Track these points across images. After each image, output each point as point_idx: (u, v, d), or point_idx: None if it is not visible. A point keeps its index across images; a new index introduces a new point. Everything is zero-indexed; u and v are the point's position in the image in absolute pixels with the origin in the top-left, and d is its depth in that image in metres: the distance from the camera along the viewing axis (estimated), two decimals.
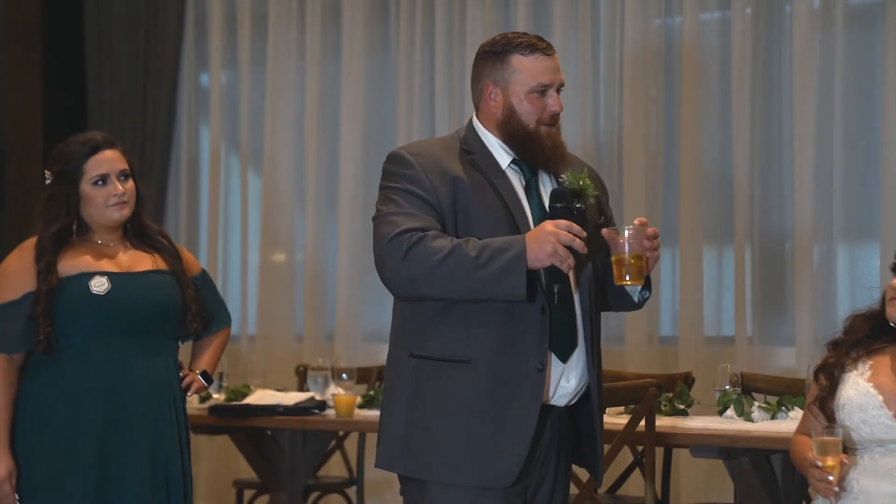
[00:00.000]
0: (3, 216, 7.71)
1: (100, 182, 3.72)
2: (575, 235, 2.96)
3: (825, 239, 5.98)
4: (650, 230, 3.05)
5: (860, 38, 6.02)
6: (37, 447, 3.64)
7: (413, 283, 3.02)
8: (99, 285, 3.67)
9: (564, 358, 3.13)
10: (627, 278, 3.05)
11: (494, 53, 3.19)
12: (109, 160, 3.74)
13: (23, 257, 3.67)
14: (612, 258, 3.06)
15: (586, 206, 3.11)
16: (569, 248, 2.95)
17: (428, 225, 3.04)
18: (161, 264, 3.80)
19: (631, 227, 3.04)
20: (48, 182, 3.75)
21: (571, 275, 3.14)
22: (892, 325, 3.36)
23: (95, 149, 3.74)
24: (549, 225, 2.97)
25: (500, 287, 2.97)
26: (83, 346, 3.66)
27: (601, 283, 3.22)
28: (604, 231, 3.07)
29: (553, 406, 3.15)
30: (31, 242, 3.70)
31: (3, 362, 3.63)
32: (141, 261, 3.78)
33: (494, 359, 3.07)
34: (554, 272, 3.00)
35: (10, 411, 3.63)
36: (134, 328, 3.70)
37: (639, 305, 3.27)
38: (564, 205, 3.04)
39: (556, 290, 3.03)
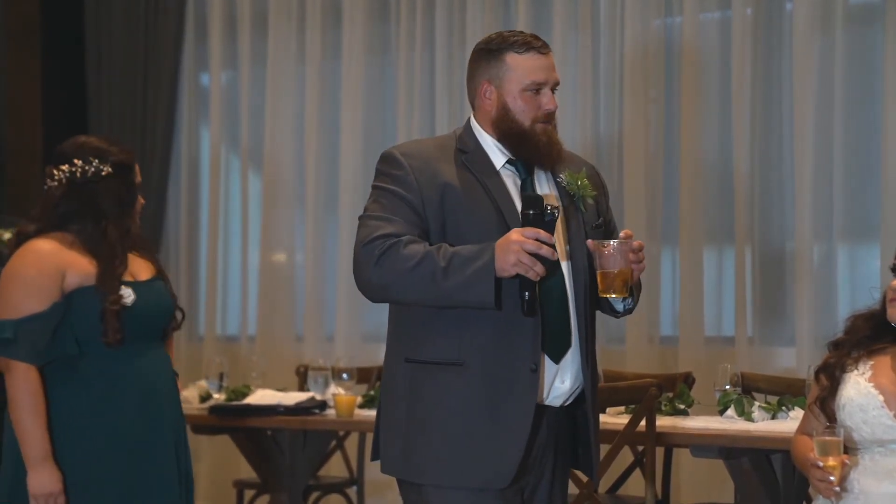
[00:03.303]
0: (2, 216, 7.71)
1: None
2: (543, 242, 2.96)
3: (825, 239, 5.98)
4: (635, 243, 3.06)
5: (860, 38, 6.02)
6: (67, 457, 3.62)
7: (384, 289, 3.05)
8: (127, 296, 3.68)
9: (557, 359, 3.13)
10: (612, 292, 3.07)
11: (489, 51, 3.19)
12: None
13: (43, 264, 3.61)
14: (598, 271, 3.07)
15: (561, 212, 3.12)
16: (538, 255, 2.95)
17: (405, 230, 3.05)
18: (154, 270, 3.83)
19: (616, 240, 3.05)
20: (105, 172, 3.72)
21: (568, 277, 3.14)
22: (893, 325, 3.36)
23: (133, 157, 3.83)
24: (514, 234, 2.98)
25: (468, 295, 2.99)
26: (107, 354, 3.65)
27: (595, 284, 3.21)
28: (588, 242, 3.08)
29: (548, 407, 3.15)
30: (45, 247, 3.64)
31: (33, 374, 3.59)
32: (142, 268, 3.80)
33: (488, 361, 3.07)
34: (524, 280, 3.00)
35: (46, 422, 3.61)
36: (149, 335, 3.74)
37: (623, 314, 3.28)
38: (537, 212, 3.02)
39: (525, 297, 3.02)
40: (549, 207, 3.03)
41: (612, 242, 3.05)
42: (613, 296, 3.09)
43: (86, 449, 3.63)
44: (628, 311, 3.27)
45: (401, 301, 3.08)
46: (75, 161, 3.72)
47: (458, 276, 2.97)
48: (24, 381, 3.57)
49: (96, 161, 3.72)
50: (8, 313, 3.58)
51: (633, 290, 3.17)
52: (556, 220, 3.04)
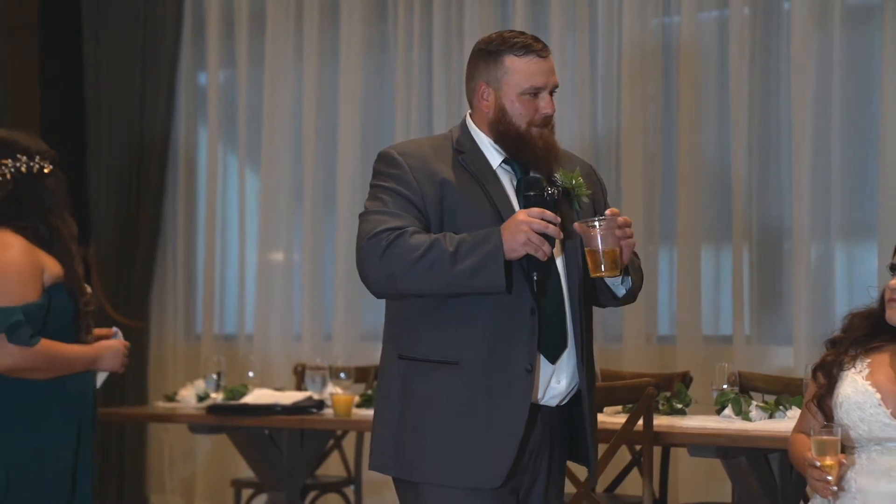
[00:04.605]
0: None
1: None
2: (549, 222, 2.96)
3: (823, 238, 5.98)
4: (621, 219, 3.05)
5: (858, 36, 6.02)
6: (34, 457, 3.66)
7: (391, 279, 3.03)
8: (91, 294, 3.75)
9: (553, 359, 3.13)
10: (602, 269, 3.05)
11: (488, 52, 3.18)
12: None
13: (30, 258, 3.63)
14: (586, 250, 3.06)
15: (561, 192, 3.12)
16: (544, 235, 2.96)
17: (409, 224, 3.05)
18: None
19: (602, 218, 3.04)
20: (47, 169, 3.74)
21: (563, 276, 3.14)
22: (891, 325, 3.36)
23: None
24: (521, 214, 2.98)
25: (478, 280, 2.98)
26: None
27: (591, 282, 3.21)
28: (576, 224, 3.07)
29: (544, 406, 3.15)
30: (19, 242, 3.65)
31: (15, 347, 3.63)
32: None
33: (483, 360, 3.06)
34: (531, 260, 3.01)
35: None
36: None
37: (624, 300, 3.26)
38: (537, 193, 3.04)
39: (534, 277, 3.03)
40: (548, 188, 3.04)
41: (598, 221, 3.04)
42: (605, 275, 3.07)
43: (56, 453, 3.69)
44: (630, 296, 3.24)
45: (408, 291, 3.05)
46: (18, 156, 3.71)
47: (467, 261, 2.97)
48: (24, 351, 3.59)
49: (38, 157, 3.73)
50: (7, 302, 3.59)
51: (628, 269, 3.16)
52: (556, 201, 3.05)
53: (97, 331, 3.88)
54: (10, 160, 3.70)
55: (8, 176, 3.69)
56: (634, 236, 3.11)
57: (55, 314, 3.66)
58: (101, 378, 3.84)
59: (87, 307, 3.71)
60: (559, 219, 3.00)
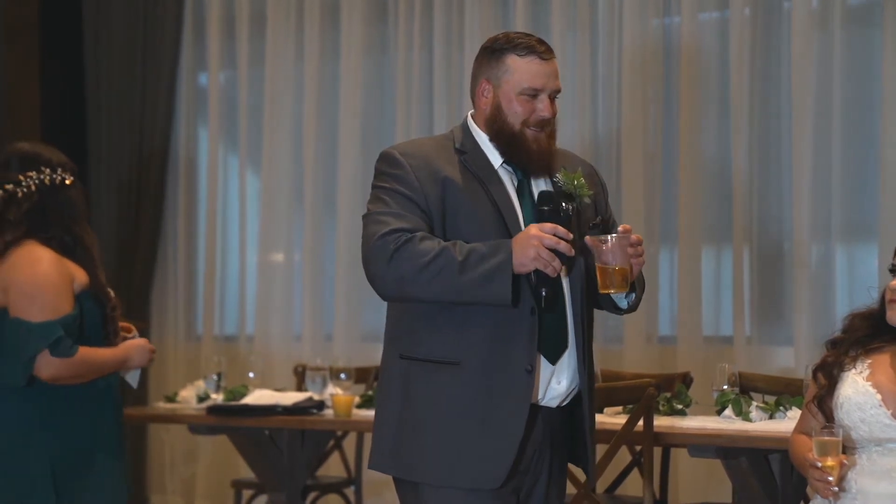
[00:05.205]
0: None
1: None
2: (561, 238, 2.96)
3: (823, 239, 5.98)
4: (633, 237, 3.05)
5: (858, 37, 6.02)
6: (70, 460, 3.75)
7: (399, 283, 3.02)
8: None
9: (553, 360, 3.13)
10: (612, 288, 3.05)
11: (492, 51, 3.19)
12: None
13: (61, 269, 3.74)
14: (597, 266, 3.06)
15: (576, 208, 3.11)
16: (555, 251, 2.96)
17: (416, 226, 3.05)
18: None
19: (614, 235, 3.04)
20: (69, 180, 3.85)
21: (565, 277, 3.14)
22: (892, 325, 3.36)
23: None
24: (533, 229, 2.98)
25: (485, 291, 2.98)
26: None
27: (593, 284, 3.21)
28: (587, 239, 3.07)
29: (544, 407, 3.15)
30: (49, 254, 3.75)
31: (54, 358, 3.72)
32: None
33: (483, 361, 3.06)
34: (541, 276, 3.00)
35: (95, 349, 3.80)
36: None
37: (627, 311, 3.27)
38: (552, 207, 3.03)
39: (543, 293, 3.02)
40: (563, 204, 3.04)
41: (610, 237, 3.04)
42: (614, 292, 3.07)
43: (94, 452, 3.81)
44: (632, 308, 3.26)
45: (415, 296, 3.05)
46: (42, 169, 3.81)
47: (475, 271, 2.97)
48: (65, 361, 3.70)
49: (59, 169, 3.84)
50: (47, 315, 3.69)
51: (634, 285, 3.16)
52: (570, 217, 3.04)
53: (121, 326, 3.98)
54: (34, 173, 3.80)
55: (33, 188, 3.79)
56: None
57: (86, 321, 3.77)
58: (135, 377, 3.97)
59: (113, 311, 3.83)
60: (571, 235, 2.99)
